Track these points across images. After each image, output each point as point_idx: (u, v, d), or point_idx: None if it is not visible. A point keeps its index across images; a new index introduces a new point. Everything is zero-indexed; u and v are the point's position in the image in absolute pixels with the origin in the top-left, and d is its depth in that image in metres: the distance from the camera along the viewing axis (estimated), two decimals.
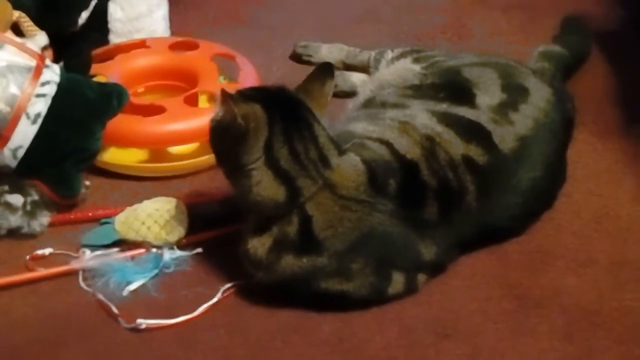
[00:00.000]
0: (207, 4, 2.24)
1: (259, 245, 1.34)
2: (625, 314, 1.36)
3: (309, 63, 1.94)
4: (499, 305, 1.38)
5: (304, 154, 1.32)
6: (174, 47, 1.88)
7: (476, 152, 1.41)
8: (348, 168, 1.35)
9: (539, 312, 1.36)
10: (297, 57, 1.98)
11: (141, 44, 1.88)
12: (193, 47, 1.87)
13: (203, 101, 1.77)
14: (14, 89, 1.49)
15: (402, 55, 1.72)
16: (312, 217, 1.32)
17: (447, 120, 1.44)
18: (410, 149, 1.39)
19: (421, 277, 1.39)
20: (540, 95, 1.53)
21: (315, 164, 1.33)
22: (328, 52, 1.95)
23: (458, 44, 2.05)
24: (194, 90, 1.74)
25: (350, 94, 1.76)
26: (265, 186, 1.32)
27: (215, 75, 1.79)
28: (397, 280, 1.36)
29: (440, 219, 1.37)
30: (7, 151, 1.50)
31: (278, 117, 1.33)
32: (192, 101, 1.72)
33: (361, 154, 1.37)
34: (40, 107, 1.50)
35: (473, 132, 1.43)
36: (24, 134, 1.49)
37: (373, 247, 1.33)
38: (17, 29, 1.65)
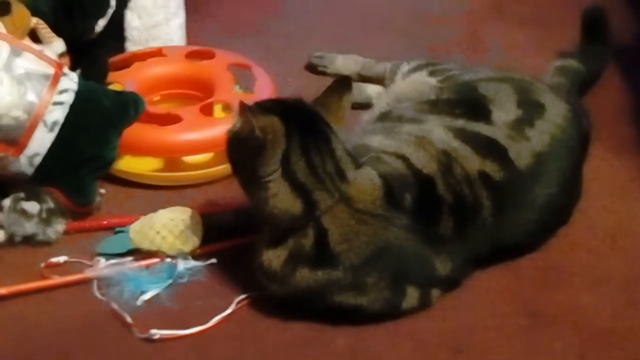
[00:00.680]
0: (223, 13, 2.24)
1: (273, 258, 1.34)
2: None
3: (324, 74, 1.94)
4: (514, 321, 1.38)
5: (321, 167, 1.32)
6: (190, 55, 1.88)
7: (492, 168, 1.41)
8: (364, 182, 1.35)
9: (554, 329, 1.36)
10: (312, 68, 1.98)
11: (157, 53, 1.88)
12: (209, 56, 1.87)
13: (218, 111, 1.77)
14: (31, 97, 1.49)
15: (417, 68, 1.71)
16: (327, 231, 1.32)
17: (463, 136, 1.43)
18: (426, 163, 1.39)
19: (435, 292, 1.38)
20: (556, 111, 1.52)
21: (332, 177, 1.33)
22: (344, 63, 1.94)
23: (473, 57, 2.04)
24: (209, 100, 1.74)
25: (366, 105, 1.75)
26: (281, 199, 1.32)
27: (231, 85, 1.79)
28: (412, 295, 1.36)
29: (455, 234, 1.37)
30: (23, 158, 1.50)
31: (296, 130, 1.32)
32: (207, 111, 1.72)
33: (377, 167, 1.37)
34: (58, 115, 1.50)
35: (489, 148, 1.43)
36: (41, 141, 1.50)
37: (388, 262, 1.33)
38: (34, 36, 1.65)
